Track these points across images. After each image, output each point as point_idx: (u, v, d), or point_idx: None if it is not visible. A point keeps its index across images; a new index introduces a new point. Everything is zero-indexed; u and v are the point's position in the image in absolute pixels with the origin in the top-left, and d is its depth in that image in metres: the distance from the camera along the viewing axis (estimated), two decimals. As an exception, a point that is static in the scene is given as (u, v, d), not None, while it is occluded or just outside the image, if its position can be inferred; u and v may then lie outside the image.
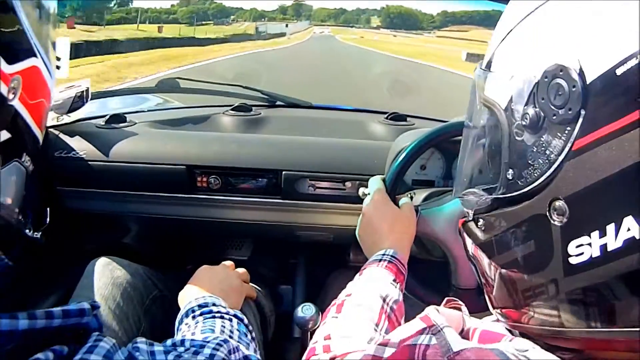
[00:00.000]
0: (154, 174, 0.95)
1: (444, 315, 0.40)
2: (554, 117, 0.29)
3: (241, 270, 0.82)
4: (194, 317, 0.60)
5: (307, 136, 1.03)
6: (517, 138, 0.32)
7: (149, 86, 1.83)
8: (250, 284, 0.83)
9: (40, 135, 0.41)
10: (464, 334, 0.51)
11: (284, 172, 0.94)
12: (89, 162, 0.95)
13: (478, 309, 0.74)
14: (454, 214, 0.72)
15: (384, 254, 0.63)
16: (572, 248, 0.29)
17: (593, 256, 0.28)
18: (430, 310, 0.41)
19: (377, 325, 0.52)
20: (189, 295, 0.68)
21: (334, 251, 1.20)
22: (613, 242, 0.26)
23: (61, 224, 0.90)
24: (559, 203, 0.29)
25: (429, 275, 0.76)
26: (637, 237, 0.25)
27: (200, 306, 0.62)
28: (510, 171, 0.33)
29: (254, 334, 0.62)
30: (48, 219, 0.50)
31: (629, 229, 0.26)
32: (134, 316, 0.78)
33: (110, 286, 0.78)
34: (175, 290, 0.73)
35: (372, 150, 0.96)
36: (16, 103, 0.33)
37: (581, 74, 0.27)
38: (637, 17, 0.25)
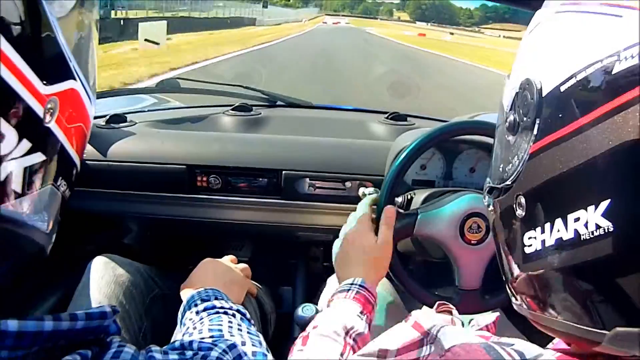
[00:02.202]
0: (154, 173, 0.95)
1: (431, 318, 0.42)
2: (522, 123, 0.33)
3: (243, 265, 0.82)
4: (197, 313, 0.60)
5: (307, 136, 1.03)
6: (507, 137, 0.36)
7: (149, 86, 1.83)
8: (251, 281, 0.83)
9: (78, 161, 0.40)
10: None
11: (284, 172, 0.94)
12: (89, 162, 0.95)
13: (481, 310, 0.74)
14: (453, 216, 0.72)
15: (352, 284, 0.63)
16: (526, 239, 0.33)
17: (537, 249, 0.32)
18: (419, 316, 0.42)
19: (342, 354, 0.53)
20: (191, 288, 0.68)
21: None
22: (549, 238, 0.30)
23: (61, 223, 0.90)
24: (521, 198, 0.33)
25: (432, 278, 0.76)
26: (564, 239, 0.29)
27: (202, 300, 0.61)
28: (502, 165, 0.37)
29: (256, 329, 0.62)
30: None
31: (558, 230, 0.29)
32: (136, 315, 0.78)
33: (113, 284, 0.78)
34: (176, 289, 0.73)
35: (373, 150, 0.96)
36: (52, 125, 0.32)
37: (540, 88, 0.31)
38: (575, 42, 0.29)
